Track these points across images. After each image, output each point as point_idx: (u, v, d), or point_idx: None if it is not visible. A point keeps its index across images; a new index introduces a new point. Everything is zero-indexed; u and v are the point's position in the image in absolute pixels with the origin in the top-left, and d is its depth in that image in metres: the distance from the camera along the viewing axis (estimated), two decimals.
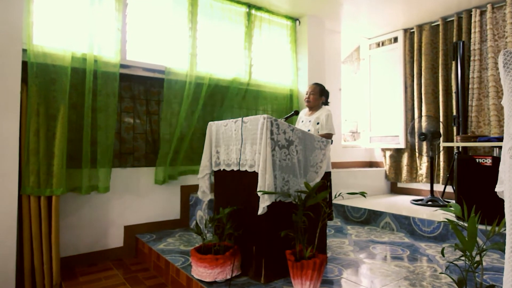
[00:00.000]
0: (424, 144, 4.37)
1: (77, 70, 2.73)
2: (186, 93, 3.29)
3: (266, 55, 4.04)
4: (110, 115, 2.85)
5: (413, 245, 2.77)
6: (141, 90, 3.22)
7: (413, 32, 4.67)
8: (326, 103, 3.01)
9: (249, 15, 3.88)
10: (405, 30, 4.76)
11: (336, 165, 4.68)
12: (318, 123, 2.81)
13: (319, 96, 2.90)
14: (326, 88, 3.09)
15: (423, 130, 4.17)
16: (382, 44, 5.07)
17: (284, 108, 4.16)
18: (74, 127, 2.72)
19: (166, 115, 3.20)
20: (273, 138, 1.95)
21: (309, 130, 2.79)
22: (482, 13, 3.91)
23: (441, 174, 4.25)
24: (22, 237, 2.36)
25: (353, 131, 5.78)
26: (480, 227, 2.61)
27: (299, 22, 4.34)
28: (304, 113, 3.02)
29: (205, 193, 2.51)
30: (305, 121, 2.94)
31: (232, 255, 2.02)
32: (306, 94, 2.93)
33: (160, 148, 3.17)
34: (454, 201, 3.54)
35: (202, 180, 2.50)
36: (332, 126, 2.79)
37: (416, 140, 4.43)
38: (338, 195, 2.03)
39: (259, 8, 3.95)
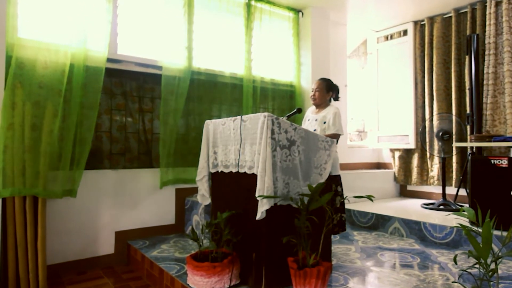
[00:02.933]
0: (436, 144, 4.37)
1: (65, 65, 2.72)
2: (181, 89, 3.29)
3: (267, 49, 4.04)
4: (93, 112, 2.83)
5: (423, 252, 2.77)
6: (133, 86, 3.22)
7: (424, 24, 4.67)
8: (336, 99, 2.94)
9: (248, 6, 3.88)
10: (415, 23, 4.75)
11: (341, 166, 4.63)
12: (324, 122, 2.75)
13: (326, 92, 2.83)
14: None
15: (435, 129, 4.17)
16: (391, 37, 5.06)
17: (286, 106, 4.16)
18: (64, 126, 2.71)
19: (161, 113, 3.20)
20: (274, 137, 1.95)
21: (315, 130, 2.75)
22: (498, 4, 3.90)
23: (454, 176, 4.24)
24: (6, 243, 2.36)
25: (359, 130, 5.78)
26: (496, 232, 2.61)
27: (302, 14, 4.34)
28: (311, 111, 2.95)
29: (204, 197, 2.51)
30: (311, 119, 2.88)
31: (230, 262, 2.02)
32: (312, 91, 2.88)
33: (159, 149, 3.17)
34: (467, 205, 3.54)
35: (201, 183, 2.50)
36: (340, 125, 2.71)
37: (427, 139, 4.43)
38: (344, 199, 2.03)
39: None
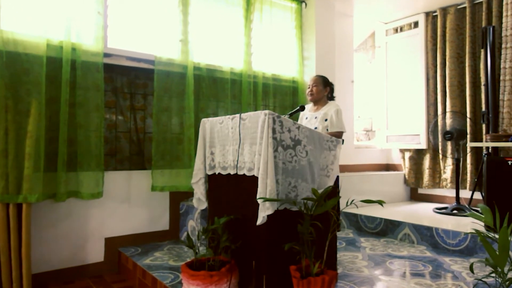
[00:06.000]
0: (449, 144, 4.37)
1: (53, 59, 2.72)
2: (176, 85, 3.29)
3: (268, 43, 4.04)
4: (92, 111, 2.85)
5: (436, 260, 2.77)
6: (125, 82, 3.22)
7: (436, 15, 4.67)
8: (332, 98, 3.03)
9: None
10: (427, 14, 4.75)
11: (347, 168, 4.68)
12: (326, 120, 2.81)
13: (323, 87, 2.94)
14: (335, 80, 3.11)
15: (448, 128, 4.17)
16: (401, 30, 5.06)
17: (288, 103, 4.16)
18: (49, 125, 2.72)
19: (154, 111, 3.20)
20: (275, 137, 1.95)
21: (315, 128, 2.80)
22: None
23: (468, 179, 4.24)
24: None
25: (367, 129, 5.78)
26: None
27: (305, 5, 4.34)
28: (308, 109, 3.02)
29: (200, 201, 2.51)
30: (310, 117, 2.95)
31: (228, 271, 2.01)
32: (308, 87, 2.97)
33: (151, 149, 3.17)
34: None
35: (197, 186, 2.50)
36: (342, 123, 2.81)
37: (440, 139, 4.43)
38: (351, 203, 2.03)
39: None
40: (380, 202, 1.92)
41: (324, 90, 2.95)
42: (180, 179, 3.28)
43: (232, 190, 2.27)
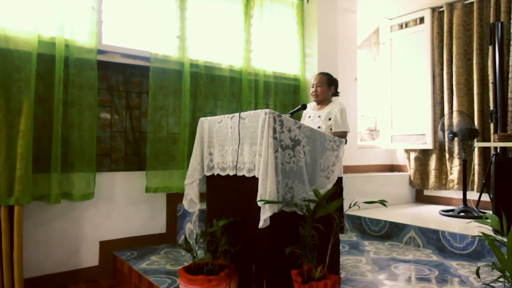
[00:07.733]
0: (456, 144, 4.37)
1: (45, 56, 2.72)
2: (172, 83, 3.29)
3: (268, 39, 4.04)
4: (85, 110, 2.86)
5: (442, 264, 2.77)
6: (120, 80, 3.22)
7: (443, 11, 4.67)
8: (336, 94, 3.03)
9: None
10: (433, 9, 4.75)
11: (350, 169, 4.68)
12: (330, 119, 2.82)
13: (328, 87, 2.93)
14: (338, 78, 3.10)
15: (454, 128, 4.17)
16: (406, 26, 5.06)
17: (289, 102, 4.16)
18: (42, 124, 2.72)
19: (150, 110, 3.20)
20: (276, 137, 1.95)
21: (319, 127, 2.80)
22: None
23: (476, 180, 4.24)
24: None
25: (371, 128, 5.78)
26: None
27: (307, 0, 4.34)
28: (311, 107, 3.02)
29: (192, 203, 2.50)
30: (313, 116, 2.95)
31: (227, 275, 2.01)
32: (312, 86, 2.96)
33: (146, 149, 3.18)
34: (491, 212, 3.54)
35: (190, 187, 2.49)
36: (347, 122, 2.81)
37: (446, 139, 4.43)
38: (354, 205, 2.03)
39: None
40: (382, 202, 1.92)
41: (329, 89, 2.93)
42: (173, 180, 3.29)
43: (231, 191, 2.28)
